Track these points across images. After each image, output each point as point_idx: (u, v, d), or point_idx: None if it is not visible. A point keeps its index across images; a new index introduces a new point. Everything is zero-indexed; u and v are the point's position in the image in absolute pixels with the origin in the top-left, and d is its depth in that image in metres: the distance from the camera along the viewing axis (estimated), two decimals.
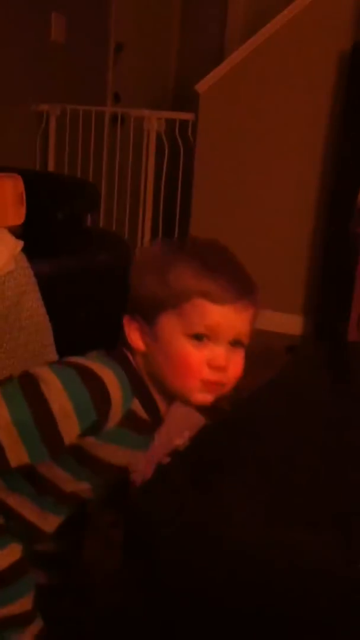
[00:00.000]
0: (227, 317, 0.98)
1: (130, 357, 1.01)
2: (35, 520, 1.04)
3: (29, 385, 0.94)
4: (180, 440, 1.67)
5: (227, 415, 1.28)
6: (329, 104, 3.22)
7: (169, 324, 0.98)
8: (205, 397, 0.99)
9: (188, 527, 0.85)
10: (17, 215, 2.15)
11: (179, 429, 1.72)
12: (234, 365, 1.00)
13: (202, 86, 3.43)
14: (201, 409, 1.26)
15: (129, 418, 0.99)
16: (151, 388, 1.01)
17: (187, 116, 3.54)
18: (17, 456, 0.93)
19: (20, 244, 1.79)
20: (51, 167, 3.71)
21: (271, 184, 3.39)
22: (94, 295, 2.18)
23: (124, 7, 4.17)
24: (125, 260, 2.38)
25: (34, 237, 1.96)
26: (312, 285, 3.37)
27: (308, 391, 1.44)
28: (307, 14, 3.21)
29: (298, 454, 1.09)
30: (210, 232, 3.70)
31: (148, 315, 0.99)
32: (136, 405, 1.00)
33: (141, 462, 1.58)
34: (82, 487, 1.04)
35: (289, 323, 3.37)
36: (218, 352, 0.97)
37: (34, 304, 1.74)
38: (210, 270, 0.97)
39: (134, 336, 1.00)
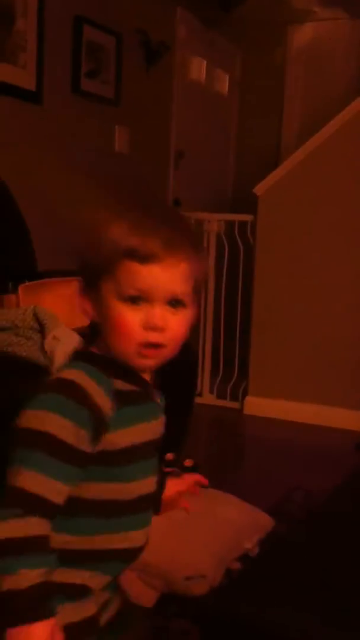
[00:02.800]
0: (157, 277, 0.95)
1: (93, 348, 1.01)
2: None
3: (24, 437, 0.91)
4: (250, 544, 1.62)
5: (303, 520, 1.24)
6: None
7: (107, 290, 0.96)
8: (145, 362, 0.98)
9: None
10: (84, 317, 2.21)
11: (247, 533, 1.67)
12: (174, 325, 0.98)
13: (260, 189, 3.53)
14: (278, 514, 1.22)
15: (122, 397, 0.97)
16: (124, 359, 0.99)
17: (246, 217, 3.63)
18: (60, 491, 0.90)
19: None
20: None
21: (330, 283, 3.40)
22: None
23: (184, 116, 4.37)
24: (192, 362, 2.38)
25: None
26: None
27: None
28: (358, 118, 3.30)
29: None
30: (272, 328, 3.71)
31: (91, 283, 0.98)
32: (120, 384, 0.98)
33: (209, 568, 1.53)
34: (137, 485, 1.01)
35: (356, 419, 3.29)
36: (152, 312, 0.95)
37: None
38: (138, 228, 0.94)
39: (87, 307, 0.99)
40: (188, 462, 1.81)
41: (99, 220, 0.97)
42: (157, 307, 0.96)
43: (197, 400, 3.07)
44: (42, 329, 1.83)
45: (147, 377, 1.04)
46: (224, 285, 3.72)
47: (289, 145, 4.34)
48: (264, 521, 1.71)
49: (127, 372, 1.00)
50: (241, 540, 1.58)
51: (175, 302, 0.97)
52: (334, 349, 3.39)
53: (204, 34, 4.58)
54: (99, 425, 0.94)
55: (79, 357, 1.03)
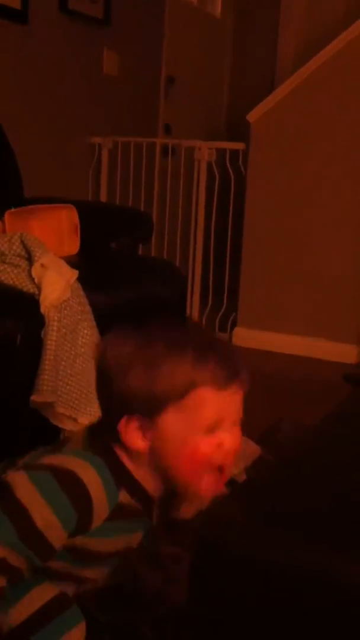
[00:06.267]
0: (232, 400, 0.97)
1: (117, 449, 0.98)
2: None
3: (9, 505, 0.91)
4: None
5: (287, 452, 1.25)
6: None
7: (175, 420, 0.95)
8: (215, 487, 0.99)
9: (265, 564, 0.82)
10: (73, 245, 2.18)
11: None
12: (237, 444, 0.99)
13: (253, 116, 3.44)
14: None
15: (119, 510, 0.97)
16: (142, 477, 0.99)
17: (238, 146, 3.55)
18: (22, 564, 0.91)
19: (75, 273, 1.81)
20: (103, 197, 3.76)
21: (323, 211, 3.36)
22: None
23: (176, 41, 4.23)
24: (182, 290, 2.37)
25: (89, 267, 1.98)
26: None
27: None
28: (355, 46, 3.20)
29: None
30: (263, 260, 3.69)
31: (148, 412, 0.95)
32: (125, 497, 0.98)
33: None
34: (94, 571, 1.02)
35: (344, 352, 3.31)
36: (226, 437, 0.97)
37: (89, 332, 1.75)
38: (202, 358, 0.94)
39: (135, 436, 0.96)
40: None
41: (150, 353, 0.95)
42: (229, 431, 0.97)
43: None
44: (29, 256, 1.80)
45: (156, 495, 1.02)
46: (214, 215, 3.67)
47: (285, 70, 4.21)
48: (251, 449, 1.73)
49: (139, 490, 0.99)
50: None
51: (237, 422, 1.00)
52: (323, 281, 3.38)
53: None
54: (80, 531, 0.94)
55: (99, 449, 0.99)
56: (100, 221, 2.41)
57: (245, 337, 3.52)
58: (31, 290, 1.73)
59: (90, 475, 0.94)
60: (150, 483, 1.00)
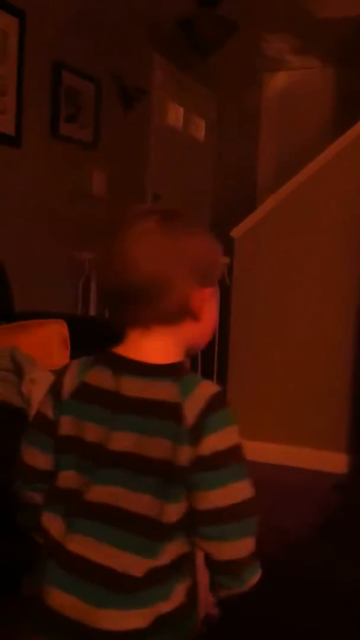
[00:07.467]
0: None
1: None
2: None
3: None
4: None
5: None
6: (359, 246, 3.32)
7: (213, 295, 1.08)
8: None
9: None
10: (62, 358, 2.21)
11: None
12: None
13: (236, 232, 3.58)
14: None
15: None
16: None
17: (223, 260, 3.66)
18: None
19: None
20: (92, 311, 3.83)
21: (308, 322, 3.44)
22: None
23: (161, 160, 4.44)
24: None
25: None
26: (355, 420, 3.32)
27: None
28: (333, 165, 3.37)
29: None
30: (249, 370, 3.70)
31: (214, 283, 1.07)
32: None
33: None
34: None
35: (333, 461, 3.30)
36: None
37: None
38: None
39: (208, 307, 1.05)
40: None
41: (214, 240, 1.10)
42: None
43: None
44: (19, 372, 1.82)
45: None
46: None
47: (266, 188, 4.41)
48: None
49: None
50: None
51: None
52: (310, 388, 3.41)
53: (180, 79, 4.69)
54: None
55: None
56: (89, 334, 2.46)
57: None
58: (21, 405, 1.74)
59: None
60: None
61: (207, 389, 0.98)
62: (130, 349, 1.03)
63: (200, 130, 5.07)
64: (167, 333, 1.02)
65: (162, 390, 0.97)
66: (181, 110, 4.81)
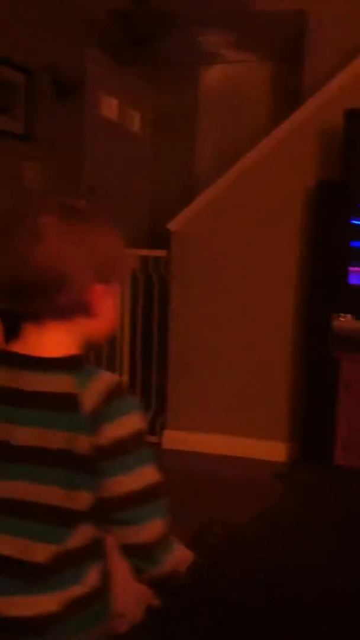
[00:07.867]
0: None
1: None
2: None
3: None
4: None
5: (220, 553, 1.23)
6: (297, 238, 3.35)
7: (115, 290, 1.09)
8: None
9: None
10: None
11: None
12: None
13: (173, 225, 3.57)
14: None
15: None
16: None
17: (160, 253, 3.65)
18: None
19: None
20: None
21: (246, 314, 3.45)
22: None
23: (97, 152, 4.39)
24: None
25: None
26: (294, 410, 3.36)
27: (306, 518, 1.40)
28: (269, 157, 3.39)
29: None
30: (189, 363, 3.71)
31: (111, 279, 1.06)
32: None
33: (129, 606, 1.49)
34: None
35: (274, 450, 3.33)
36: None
37: None
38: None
39: (104, 302, 1.05)
40: None
41: (118, 237, 1.11)
42: None
43: None
44: None
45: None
46: (139, 320, 3.71)
47: (204, 181, 4.41)
48: (184, 555, 1.69)
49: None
50: None
51: None
52: (251, 380, 3.43)
53: (116, 72, 4.65)
54: None
55: None
56: None
57: (175, 439, 3.50)
58: None
59: None
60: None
61: (106, 379, 1.00)
62: (26, 344, 1.03)
63: (136, 123, 5.04)
64: (62, 327, 1.03)
65: (60, 383, 0.99)
66: (116, 102, 4.77)
